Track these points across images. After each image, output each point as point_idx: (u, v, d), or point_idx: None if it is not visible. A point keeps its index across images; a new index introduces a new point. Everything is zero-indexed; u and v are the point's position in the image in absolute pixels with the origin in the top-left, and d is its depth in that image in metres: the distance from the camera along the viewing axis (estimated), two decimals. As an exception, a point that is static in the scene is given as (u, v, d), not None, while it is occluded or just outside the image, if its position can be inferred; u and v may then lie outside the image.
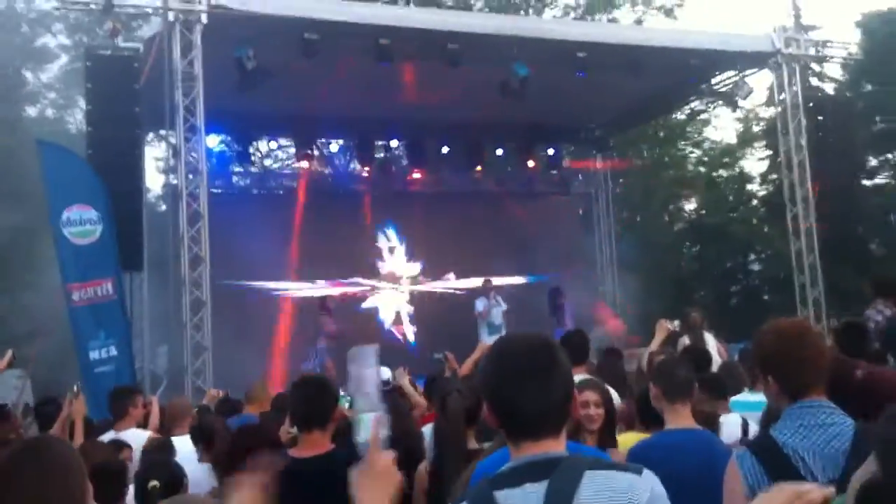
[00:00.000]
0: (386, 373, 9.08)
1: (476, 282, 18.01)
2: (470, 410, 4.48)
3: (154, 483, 4.26)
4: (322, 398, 4.37)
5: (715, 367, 7.33)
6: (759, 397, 4.81)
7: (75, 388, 6.71)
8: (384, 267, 19.49)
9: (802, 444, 3.08)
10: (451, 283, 19.70)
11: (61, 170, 11.66)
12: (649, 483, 2.25)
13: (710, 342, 8.40)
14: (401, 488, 2.37)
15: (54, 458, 2.52)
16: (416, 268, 19.63)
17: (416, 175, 19.87)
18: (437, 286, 19.74)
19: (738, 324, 24.31)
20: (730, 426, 5.13)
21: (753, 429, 5.17)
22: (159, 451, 5.59)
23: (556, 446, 2.31)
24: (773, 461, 3.10)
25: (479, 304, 16.16)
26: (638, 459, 3.51)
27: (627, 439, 4.84)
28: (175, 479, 4.40)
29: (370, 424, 2.39)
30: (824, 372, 3.19)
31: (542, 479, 2.20)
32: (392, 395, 7.83)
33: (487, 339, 15.51)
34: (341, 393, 4.80)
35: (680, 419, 4.25)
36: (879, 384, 3.57)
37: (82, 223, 11.39)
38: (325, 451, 4.29)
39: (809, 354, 3.18)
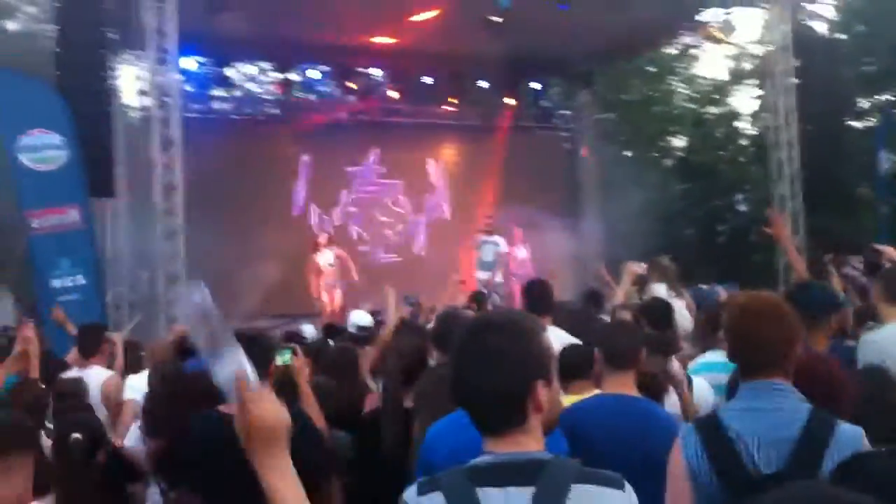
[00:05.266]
0: (365, 317, 8.94)
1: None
2: (409, 370, 4.36)
3: (77, 436, 4.11)
4: (252, 353, 4.15)
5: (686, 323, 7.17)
6: (721, 357, 4.63)
7: (28, 321, 6.56)
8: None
9: (747, 428, 2.96)
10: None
11: (16, 94, 11.25)
12: (632, 499, 2.18)
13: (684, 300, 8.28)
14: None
15: None
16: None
17: (398, 105, 19.50)
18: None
19: (724, 263, 24.40)
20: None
21: (700, 387, 4.98)
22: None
23: (530, 443, 2.20)
24: (716, 443, 3.00)
25: (476, 242, 16.11)
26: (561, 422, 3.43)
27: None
28: (98, 434, 4.26)
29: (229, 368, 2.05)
30: (785, 353, 3.03)
31: (527, 485, 2.10)
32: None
33: (479, 275, 15.47)
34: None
35: (619, 387, 4.09)
36: (812, 367, 3.41)
37: (43, 149, 11.05)
38: (256, 408, 4.11)
39: (766, 335, 3.03)
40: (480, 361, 2.19)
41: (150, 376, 6.08)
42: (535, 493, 2.08)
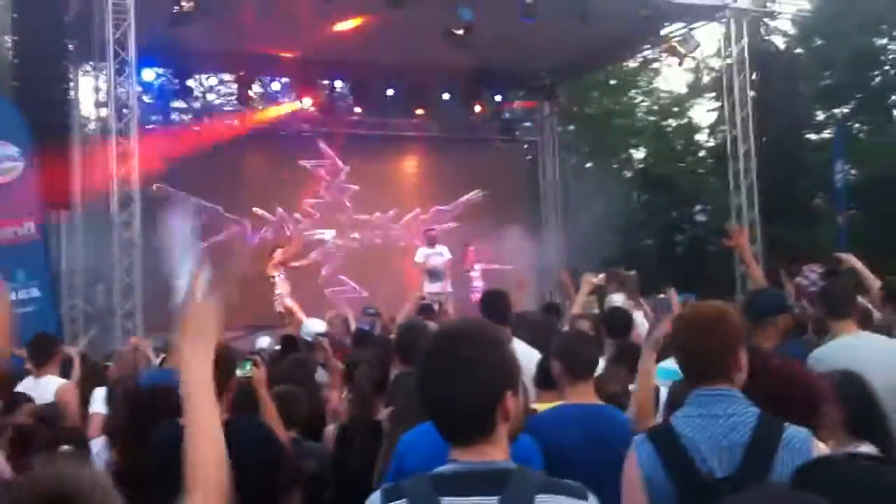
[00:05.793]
0: (320, 325, 8.91)
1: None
2: (378, 381, 4.37)
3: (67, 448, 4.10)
4: (216, 366, 4.12)
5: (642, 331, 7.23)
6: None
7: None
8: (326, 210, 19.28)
9: (700, 436, 2.97)
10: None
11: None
12: None
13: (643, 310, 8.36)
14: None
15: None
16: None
17: (361, 117, 19.47)
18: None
19: (683, 273, 24.55)
20: None
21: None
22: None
23: (496, 452, 2.18)
24: (670, 451, 3.01)
25: (419, 255, 15.98)
26: (528, 431, 3.53)
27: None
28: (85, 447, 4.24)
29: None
30: (727, 361, 3.05)
31: (491, 495, 2.10)
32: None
33: (427, 287, 15.38)
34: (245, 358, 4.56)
35: (581, 396, 4.15)
36: (789, 376, 3.46)
37: (-1, 161, 10.95)
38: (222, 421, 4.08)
39: (708, 344, 3.05)
40: (449, 372, 2.17)
41: (109, 390, 6.05)
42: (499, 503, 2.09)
